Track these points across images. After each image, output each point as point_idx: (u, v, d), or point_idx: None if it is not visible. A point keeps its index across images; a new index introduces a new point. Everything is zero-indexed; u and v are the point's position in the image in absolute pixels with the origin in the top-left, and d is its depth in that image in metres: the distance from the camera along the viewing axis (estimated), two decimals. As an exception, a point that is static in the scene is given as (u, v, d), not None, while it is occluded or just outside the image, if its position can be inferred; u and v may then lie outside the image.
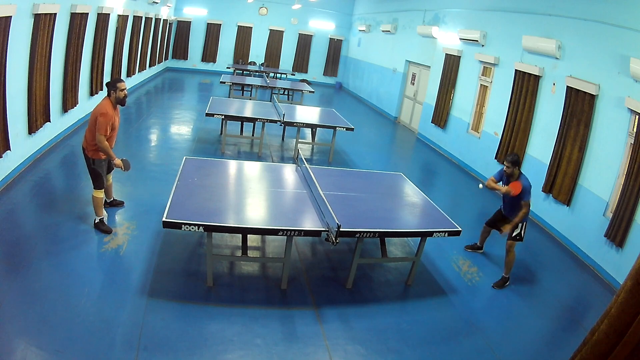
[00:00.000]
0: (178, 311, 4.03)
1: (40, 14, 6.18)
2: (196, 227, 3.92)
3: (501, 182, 5.25)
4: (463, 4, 10.74)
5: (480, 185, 5.41)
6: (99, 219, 5.15)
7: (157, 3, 13.95)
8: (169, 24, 17.52)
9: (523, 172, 5.23)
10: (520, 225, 5.10)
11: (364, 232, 4.29)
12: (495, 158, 8.68)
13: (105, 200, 5.44)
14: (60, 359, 3.30)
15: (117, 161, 5.04)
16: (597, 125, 6.36)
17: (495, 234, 5.71)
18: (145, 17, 13.28)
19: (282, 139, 10.18)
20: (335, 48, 20.38)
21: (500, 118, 8.68)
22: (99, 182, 5.06)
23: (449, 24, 11.26)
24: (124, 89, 4.99)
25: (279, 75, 17.60)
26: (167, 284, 4.41)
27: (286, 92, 14.20)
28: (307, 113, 10.03)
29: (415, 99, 13.69)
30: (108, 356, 3.41)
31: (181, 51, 18.90)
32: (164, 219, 3.91)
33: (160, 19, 15.46)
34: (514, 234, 5.13)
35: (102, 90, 10.09)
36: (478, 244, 5.96)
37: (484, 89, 9.74)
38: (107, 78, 10.52)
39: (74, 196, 5.94)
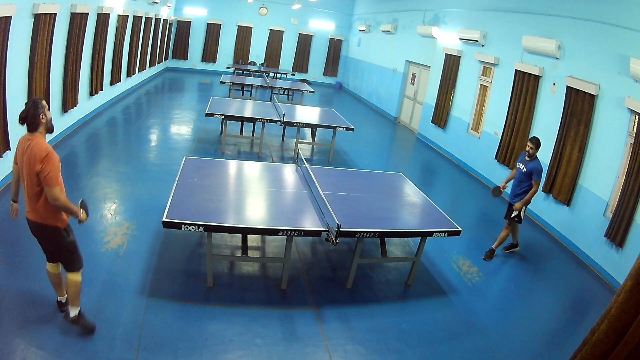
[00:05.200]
0: (178, 311, 4.03)
1: (40, 14, 6.18)
2: (196, 227, 3.92)
3: (521, 163, 5.68)
4: (463, 4, 10.73)
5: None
6: (78, 312, 3.58)
7: (157, 3, 13.95)
8: (169, 24, 17.52)
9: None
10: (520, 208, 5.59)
11: (364, 232, 4.29)
12: (495, 158, 8.68)
13: (58, 299, 3.75)
14: (60, 359, 3.30)
15: (83, 215, 3.46)
16: (597, 125, 6.36)
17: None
18: (145, 17, 13.28)
19: (282, 139, 10.18)
20: (335, 48, 20.38)
21: (500, 118, 8.67)
22: (78, 258, 3.53)
23: (449, 24, 11.26)
24: (48, 109, 3.40)
25: (279, 75, 17.60)
26: (167, 284, 4.41)
27: (286, 92, 14.20)
28: (307, 113, 10.03)
29: (415, 99, 13.69)
30: (108, 356, 3.41)
31: (181, 51, 18.90)
32: (164, 219, 3.91)
33: (160, 19, 15.45)
34: (512, 215, 5.64)
35: (102, 89, 10.10)
36: (513, 241, 6.06)
37: (484, 89, 9.74)
38: (107, 78, 10.54)
39: (74, 196, 5.90)
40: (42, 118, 3.27)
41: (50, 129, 3.40)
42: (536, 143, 5.51)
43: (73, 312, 3.57)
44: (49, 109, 3.39)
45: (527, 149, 5.56)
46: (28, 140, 3.28)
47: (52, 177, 3.16)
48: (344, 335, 4.04)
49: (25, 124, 3.27)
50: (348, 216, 4.43)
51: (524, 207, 5.63)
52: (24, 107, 3.27)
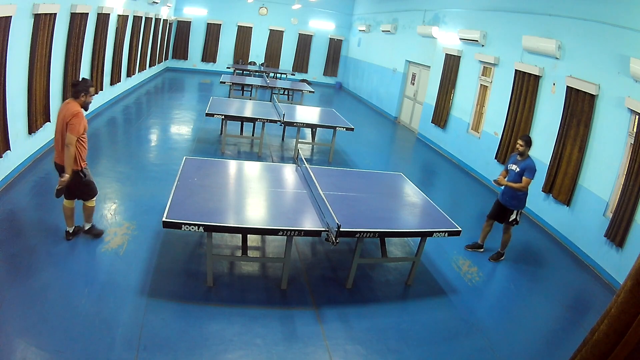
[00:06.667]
0: (178, 311, 4.03)
1: (40, 14, 6.18)
2: (196, 227, 3.92)
3: (513, 164, 5.53)
4: (463, 4, 10.73)
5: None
6: (90, 225, 4.99)
7: (157, 3, 13.95)
8: (169, 24, 17.52)
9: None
10: (516, 212, 5.51)
11: (364, 232, 4.29)
12: (495, 158, 8.68)
13: (69, 230, 4.86)
14: (60, 359, 3.30)
15: (67, 177, 4.40)
16: (597, 125, 6.36)
17: (496, 231, 5.73)
18: (145, 17, 13.28)
19: (282, 139, 10.18)
20: (335, 48, 20.38)
21: (500, 118, 8.68)
22: (93, 189, 4.79)
23: (449, 24, 11.26)
24: (93, 94, 4.65)
25: (279, 75, 17.60)
26: (167, 284, 4.41)
27: (286, 92, 14.20)
28: (307, 113, 10.03)
29: (415, 99, 13.69)
30: (108, 356, 3.41)
31: (181, 51, 18.90)
32: (164, 219, 3.91)
33: (160, 19, 15.46)
34: (510, 220, 5.55)
35: (102, 89, 10.10)
36: (479, 242, 5.97)
37: (484, 89, 9.74)
38: (107, 78, 10.54)
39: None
40: (82, 96, 4.48)
41: (85, 107, 4.55)
42: (526, 140, 5.36)
43: (87, 225, 4.95)
44: (92, 95, 4.57)
45: (517, 146, 5.42)
46: (67, 102, 4.50)
47: (74, 127, 4.34)
48: (344, 335, 4.04)
49: (72, 91, 4.48)
50: (348, 216, 4.43)
51: (519, 211, 5.50)
52: (78, 79, 4.66)
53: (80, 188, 4.67)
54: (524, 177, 5.33)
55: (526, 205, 5.66)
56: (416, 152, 11.55)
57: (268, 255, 5.24)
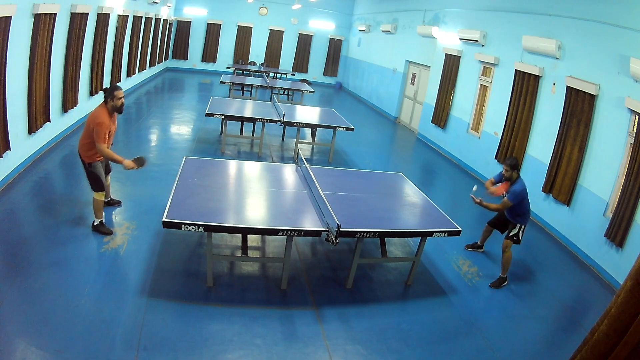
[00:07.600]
0: (178, 311, 4.03)
1: (40, 14, 6.18)
2: (196, 227, 3.92)
3: (500, 184, 5.23)
4: (463, 4, 10.74)
5: (475, 187, 5.22)
6: (99, 221, 5.11)
7: (157, 3, 13.95)
8: (169, 24, 17.52)
9: (523, 173, 5.23)
10: (518, 227, 5.18)
11: (364, 232, 4.29)
12: (495, 158, 8.69)
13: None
14: (60, 359, 3.30)
15: (127, 162, 4.87)
16: (597, 125, 6.36)
17: (496, 234, 5.73)
18: (145, 17, 13.28)
19: (282, 139, 10.18)
20: (335, 48, 20.38)
21: (500, 118, 8.68)
22: (98, 184, 5.01)
23: (449, 24, 11.26)
24: (121, 97, 4.86)
25: (279, 75, 17.60)
26: (167, 284, 4.41)
27: (286, 92, 14.20)
28: (307, 113, 10.03)
29: (415, 99, 13.69)
30: (108, 356, 3.41)
31: (181, 51, 18.90)
32: (164, 219, 3.91)
33: (160, 19, 15.46)
34: (510, 234, 5.20)
35: (102, 90, 10.09)
36: (479, 242, 5.97)
37: (484, 89, 9.74)
38: (107, 78, 10.54)
39: (74, 196, 5.95)
40: (110, 101, 4.84)
41: (118, 111, 4.96)
42: (511, 164, 5.00)
43: (96, 221, 5.11)
44: (119, 98, 4.85)
45: (503, 172, 5.09)
46: (99, 107, 4.87)
47: (99, 136, 4.72)
48: (344, 335, 4.05)
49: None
50: (348, 216, 4.43)
51: (523, 227, 5.20)
52: (107, 85, 4.97)
53: (86, 175, 5.07)
54: (504, 198, 5.05)
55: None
56: (416, 152, 11.55)
57: (268, 255, 5.24)
